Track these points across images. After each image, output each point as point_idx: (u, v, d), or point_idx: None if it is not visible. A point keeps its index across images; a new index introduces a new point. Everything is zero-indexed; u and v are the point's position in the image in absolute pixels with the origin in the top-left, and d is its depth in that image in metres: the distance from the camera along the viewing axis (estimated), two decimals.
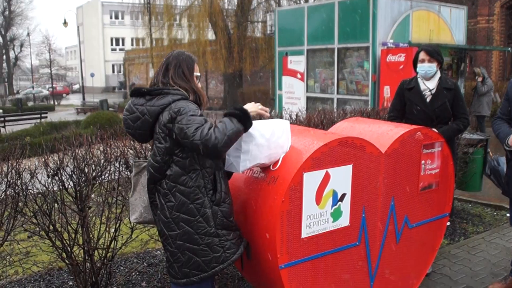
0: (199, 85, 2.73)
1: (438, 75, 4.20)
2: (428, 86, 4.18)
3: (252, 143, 2.68)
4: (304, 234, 2.78)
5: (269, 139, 2.75)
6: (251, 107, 2.71)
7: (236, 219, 2.80)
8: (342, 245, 3.00)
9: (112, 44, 57.84)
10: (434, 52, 4.14)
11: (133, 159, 3.50)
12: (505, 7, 19.81)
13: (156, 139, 2.59)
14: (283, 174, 2.72)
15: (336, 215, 2.92)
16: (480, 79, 11.45)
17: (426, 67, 4.13)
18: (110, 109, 28.49)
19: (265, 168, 2.86)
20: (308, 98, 12.57)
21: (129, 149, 3.89)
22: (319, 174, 2.78)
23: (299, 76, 12.73)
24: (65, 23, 39.00)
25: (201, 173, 2.56)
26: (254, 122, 2.66)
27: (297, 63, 12.72)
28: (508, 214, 6.16)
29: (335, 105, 11.44)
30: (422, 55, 4.16)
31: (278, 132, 2.82)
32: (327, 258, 2.93)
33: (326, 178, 2.82)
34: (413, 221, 3.45)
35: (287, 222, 2.69)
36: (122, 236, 3.86)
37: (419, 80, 4.23)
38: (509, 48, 16.73)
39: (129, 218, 2.90)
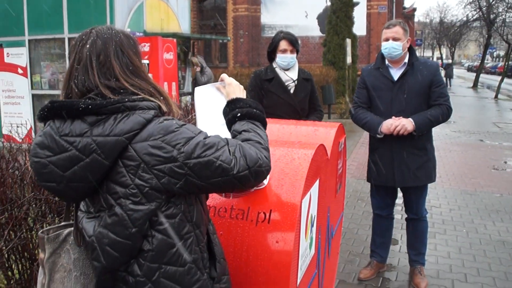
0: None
1: (297, 64, 3.86)
2: (291, 77, 3.78)
3: None
4: (298, 280, 2.06)
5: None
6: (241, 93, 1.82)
7: None
8: (310, 279, 2.38)
9: None
10: (296, 41, 3.77)
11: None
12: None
13: (122, 196, 1.42)
14: (279, 205, 1.92)
15: (311, 244, 2.29)
16: (198, 68, 11.21)
17: (289, 58, 3.71)
18: None
19: (232, 202, 1.99)
20: (34, 96, 10.77)
21: None
22: (307, 199, 2.09)
23: (20, 71, 10.79)
24: None
25: (195, 235, 1.54)
26: None
27: (17, 56, 10.75)
28: None
29: None
30: (284, 45, 3.70)
31: None
32: None
33: (309, 201, 2.15)
34: (333, 229, 3.05)
35: (292, 272, 1.92)
36: None
37: (278, 70, 3.80)
38: (213, 36, 18.28)
39: None
